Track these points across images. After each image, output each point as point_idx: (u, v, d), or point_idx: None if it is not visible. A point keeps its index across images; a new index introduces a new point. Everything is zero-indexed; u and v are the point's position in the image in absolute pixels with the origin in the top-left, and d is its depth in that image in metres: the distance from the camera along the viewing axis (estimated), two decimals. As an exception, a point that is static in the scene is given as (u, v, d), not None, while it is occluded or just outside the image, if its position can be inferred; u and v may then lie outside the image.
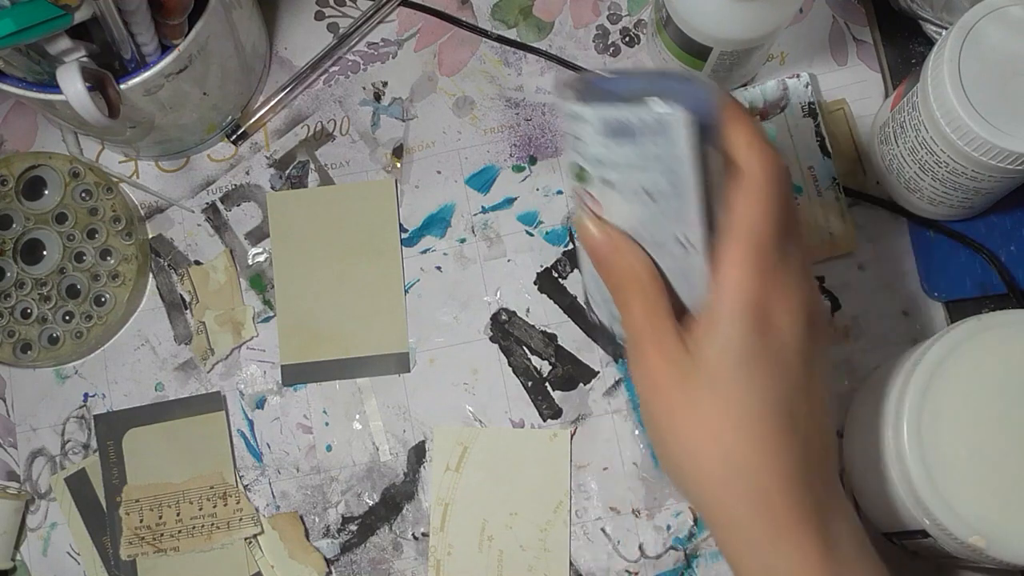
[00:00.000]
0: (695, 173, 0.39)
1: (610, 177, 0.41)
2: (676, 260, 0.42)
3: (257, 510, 0.59)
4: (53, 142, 0.63)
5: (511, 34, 0.63)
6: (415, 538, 0.58)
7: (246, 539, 0.58)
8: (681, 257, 0.41)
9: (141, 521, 0.58)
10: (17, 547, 0.59)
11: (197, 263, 0.61)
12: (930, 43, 0.61)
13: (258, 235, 0.62)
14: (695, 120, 0.38)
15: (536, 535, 0.57)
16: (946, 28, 0.56)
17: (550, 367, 0.60)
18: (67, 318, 0.59)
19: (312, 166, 0.62)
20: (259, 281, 0.61)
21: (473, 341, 0.60)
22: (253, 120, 0.62)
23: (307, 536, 0.58)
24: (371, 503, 0.59)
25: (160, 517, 0.58)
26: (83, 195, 0.60)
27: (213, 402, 0.60)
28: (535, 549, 0.57)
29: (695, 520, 0.58)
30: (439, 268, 0.61)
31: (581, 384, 0.59)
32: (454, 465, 0.58)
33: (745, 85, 0.61)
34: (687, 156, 0.39)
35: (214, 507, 0.58)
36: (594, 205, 0.42)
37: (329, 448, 0.59)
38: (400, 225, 0.61)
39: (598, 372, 0.59)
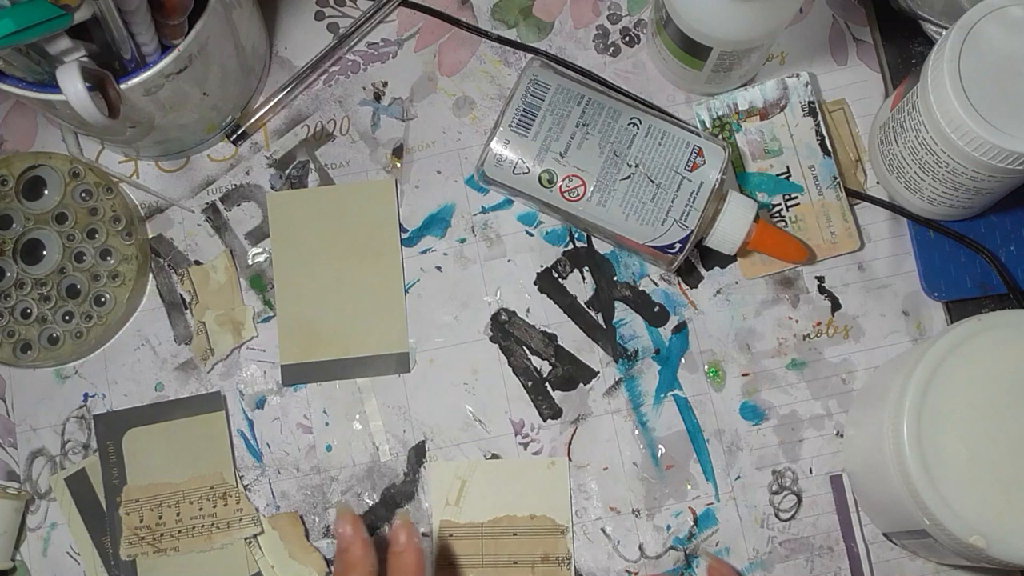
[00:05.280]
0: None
1: (556, 150, 0.56)
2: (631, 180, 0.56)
3: (257, 510, 0.59)
4: (53, 142, 0.63)
5: (511, 34, 0.63)
6: (415, 538, 0.58)
7: (246, 539, 0.58)
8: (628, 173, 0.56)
9: (141, 521, 0.58)
10: (17, 547, 0.59)
11: (197, 263, 0.61)
12: (930, 43, 0.61)
13: (258, 235, 0.62)
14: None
15: (540, 564, 0.57)
16: (946, 28, 0.56)
17: (550, 367, 0.60)
18: (67, 318, 0.59)
19: (312, 166, 0.62)
20: (259, 281, 0.61)
21: (473, 341, 0.60)
22: (253, 120, 0.62)
23: (307, 536, 0.58)
24: (371, 503, 0.59)
25: (160, 517, 0.58)
26: (83, 195, 0.60)
27: (213, 402, 0.60)
28: None
29: (695, 520, 0.58)
30: (439, 268, 0.61)
31: (581, 384, 0.59)
32: (453, 499, 0.58)
33: (745, 85, 0.61)
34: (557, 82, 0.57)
35: (214, 507, 0.58)
36: (577, 183, 0.56)
37: (329, 448, 0.59)
38: (400, 225, 0.61)
39: (598, 372, 0.59)
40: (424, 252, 0.61)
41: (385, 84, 0.63)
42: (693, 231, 0.56)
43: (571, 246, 0.61)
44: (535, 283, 0.60)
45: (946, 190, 0.54)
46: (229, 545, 0.58)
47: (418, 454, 0.59)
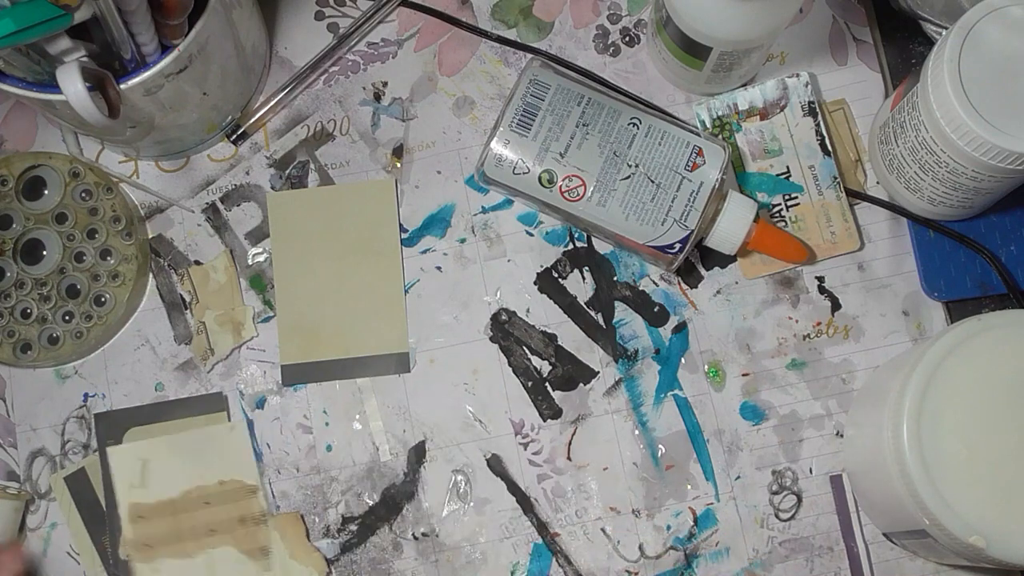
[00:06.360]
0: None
1: (556, 150, 0.56)
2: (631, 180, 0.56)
3: (257, 510, 0.59)
4: (53, 142, 0.63)
5: (511, 34, 0.63)
6: (415, 538, 0.58)
7: (246, 539, 0.58)
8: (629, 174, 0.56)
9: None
10: (17, 547, 0.59)
11: (197, 263, 0.61)
12: (930, 43, 0.61)
13: (258, 235, 0.62)
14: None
15: (239, 528, 0.57)
16: (946, 28, 0.56)
17: (550, 367, 0.60)
18: (67, 318, 0.59)
19: (312, 166, 0.62)
20: (259, 281, 0.61)
21: (473, 341, 0.60)
22: (253, 120, 0.62)
23: (307, 536, 0.58)
24: (371, 503, 0.59)
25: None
26: (83, 195, 0.60)
27: (213, 402, 0.60)
28: None
29: (695, 520, 0.58)
30: (439, 268, 0.61)
31: (581, 384, 0.59)
32: (138, 482, 0.58)
33: (745, 85, 0.61)
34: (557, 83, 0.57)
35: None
36: (577, 183, 0.56)
37: (329, 448, 0.59)
38: (400, 225, 0.61)
39: (598, 372, 0.59)
40: (424, 252, 0.61)
41: (385, 84, 0.63)
42: (693, 231, 0.56)
43: (571, 246, 0.61)
44: (535, 283, 0.60)
45: (946, 190, 0.54)
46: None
47: (418, 454, 0.59)
